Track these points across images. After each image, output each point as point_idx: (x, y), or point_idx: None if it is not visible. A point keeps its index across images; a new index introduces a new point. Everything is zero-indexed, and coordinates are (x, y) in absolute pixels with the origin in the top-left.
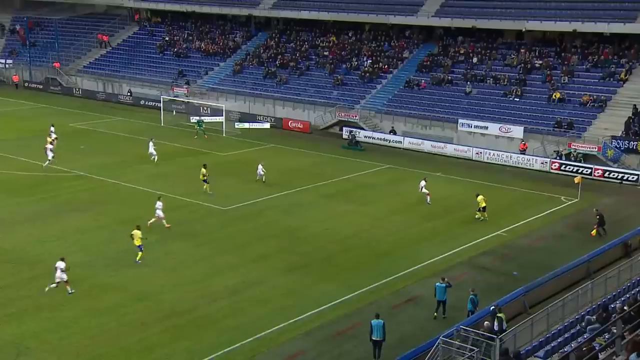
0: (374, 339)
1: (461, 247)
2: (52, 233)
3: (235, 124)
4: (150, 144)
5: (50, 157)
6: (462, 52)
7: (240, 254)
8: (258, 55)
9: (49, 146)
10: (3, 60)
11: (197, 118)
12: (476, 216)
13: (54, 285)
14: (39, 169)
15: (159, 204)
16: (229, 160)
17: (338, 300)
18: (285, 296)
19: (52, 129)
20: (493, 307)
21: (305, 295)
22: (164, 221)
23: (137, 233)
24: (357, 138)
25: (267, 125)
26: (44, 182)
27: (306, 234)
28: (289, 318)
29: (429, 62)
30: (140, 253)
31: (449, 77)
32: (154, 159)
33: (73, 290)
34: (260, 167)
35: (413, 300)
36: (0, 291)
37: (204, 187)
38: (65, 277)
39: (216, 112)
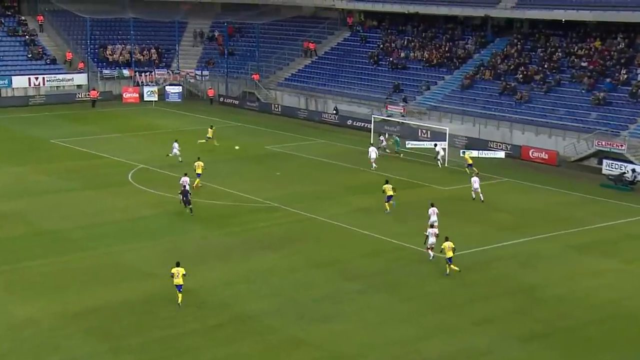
0: None
1: None
2: (240, 273)
3: (462, 151)
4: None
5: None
6: None
7: (460, 314)
8: (494, 66)
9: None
10: (199, 72)
11: (395, 136)
12: None
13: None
14: (230, 197)
15: None
16: (451, 195)
17: None
18: None
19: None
20: None
21: None
22: None
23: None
24: (625, 175)
25: (501, 155)
26: (235, 213)
27: (548, 295)
28: None
29: None
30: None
31: None
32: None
33: (434, 257)
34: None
35: None
36: (183, 338)
37: (389, 205)
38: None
39: (438, 136)
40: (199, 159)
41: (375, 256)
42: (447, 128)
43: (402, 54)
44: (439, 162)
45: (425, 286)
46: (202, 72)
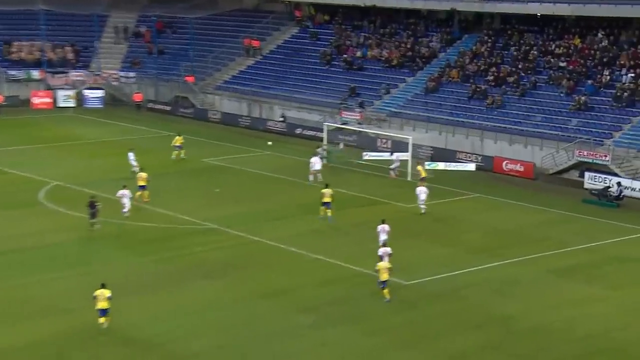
0: None
1: None
2: (173, 307)
3: (426, 163)
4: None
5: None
6: None
7: (428, 350)
8: (462, 67)
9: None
10: (124, 73)
11: (332, 147)
12: None
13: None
14: (162, 218)
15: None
16: (414, 213)
17: None
18: None
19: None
20: None
21: None
22: None
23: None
24: (610, 190)
25: (471, 167)
26: (167, 236)
27: (526, 327)
28: None
29: None
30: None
31: None
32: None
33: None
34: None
35: None
36: None
37: (324, 211)
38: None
39: (399, 146)
40: (141, 170)
41: (331, 284)
42: (410, 137)
43: (358, 53)
44: (392, 172)
45: (388, 318)
46: (127, 74)
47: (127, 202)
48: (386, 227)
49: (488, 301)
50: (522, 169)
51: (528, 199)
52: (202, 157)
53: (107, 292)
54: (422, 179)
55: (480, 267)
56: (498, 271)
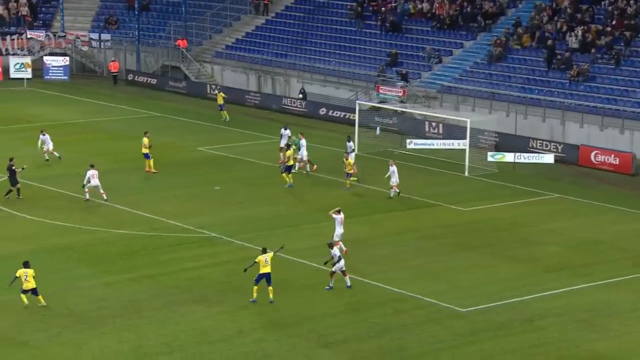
0: None
1: None
2: (160, 340)
3: (489, 154)
4: None
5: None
6: None
7: None
8: (538, 27)
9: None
10: (96, 35)
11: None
12: None
13: None
14: (144, 223)
15: None
16: (473, 220)
17: None
18: None
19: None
20: None
21: None
22: None
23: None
24: None
25: (549, 159)
26: (150, 247)
27: None
28: None
29: None
30: None
31: None
32: None
33: None
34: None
35: None
36: None
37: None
38: None
39: (453, 131)
40: (145, 134)
41: (362, 311)
42: (469, 120)
43: (399, 9)
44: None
45: (438, 355)
46: (100, 36)
47: (96, 182)
48: (342, 217)
49: (572, 336)
50: (616, 162)
51: (625, 202)
52: (198, 145)
53: (31, 272)
54: (349, 175)
55: (560, 291)
56: (585, 296)
